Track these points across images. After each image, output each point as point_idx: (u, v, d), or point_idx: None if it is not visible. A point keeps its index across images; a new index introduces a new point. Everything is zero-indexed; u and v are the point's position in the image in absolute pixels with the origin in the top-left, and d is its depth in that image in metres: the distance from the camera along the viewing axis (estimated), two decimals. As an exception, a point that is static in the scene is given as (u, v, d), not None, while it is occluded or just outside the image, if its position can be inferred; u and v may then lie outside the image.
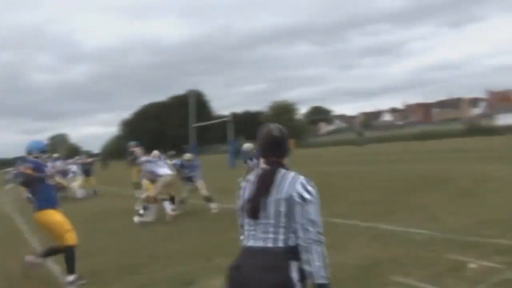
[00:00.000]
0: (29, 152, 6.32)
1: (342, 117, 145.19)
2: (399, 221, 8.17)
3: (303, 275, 2.54)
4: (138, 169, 15.13)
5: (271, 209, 2.58)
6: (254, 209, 2.64)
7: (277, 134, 2.78)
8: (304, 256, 2.54)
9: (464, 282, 4.86)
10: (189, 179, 12.04)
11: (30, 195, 6.53)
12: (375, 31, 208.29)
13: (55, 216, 6.16)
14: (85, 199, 17.87)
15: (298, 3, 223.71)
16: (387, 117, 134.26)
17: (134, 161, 15.56)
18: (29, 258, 6.45)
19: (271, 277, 2.47)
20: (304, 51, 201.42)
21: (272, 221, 2.59)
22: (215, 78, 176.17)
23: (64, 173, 18.02)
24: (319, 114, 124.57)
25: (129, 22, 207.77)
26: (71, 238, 6.12)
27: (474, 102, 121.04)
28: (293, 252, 2.54)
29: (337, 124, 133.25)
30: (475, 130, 45.23)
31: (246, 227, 2.76)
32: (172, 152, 15.37)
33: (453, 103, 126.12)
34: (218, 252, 7.04)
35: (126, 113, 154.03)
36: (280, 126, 2.81)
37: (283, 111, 68.34)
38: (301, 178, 2.61)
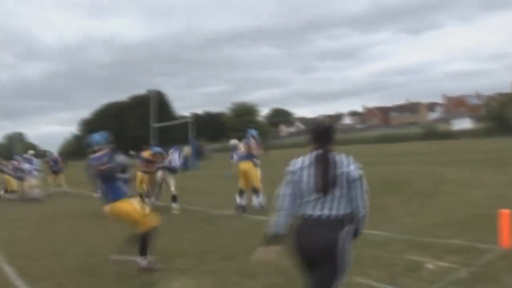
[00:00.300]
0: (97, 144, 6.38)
1: (303, 120, 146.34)
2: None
3: (351, 235, 3.36)
4: None
5: (337, 183, 3.22)
6: (325, 184, 3.22)
7: (327, 126, 3.48)
8: (360, 218, 3.36)
9: (421, 281, 4.97)
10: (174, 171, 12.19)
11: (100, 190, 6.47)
12: (337, 35, 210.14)
13: (127, 206, 6.29)
14: (43, 199, 17.33)
15: (260, 5, 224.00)
16: (347, 120, 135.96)
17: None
18: (114, 257, 6.60)
19: (329, 236, 3.20)
20: (265, 53, 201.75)
21: (337, 193, 3.23)
22: (176, 79, 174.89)
23: (26, 172, 17.47)
24: (280, 116, 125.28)
25: (88, 19, 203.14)
26: (149, 221, 6.31)
27: (431, 106, 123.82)
28: (349, 218, 3.29)
29: (298, 126, 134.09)
30: (432, 134, 46.32)
31: (308, 201, 3.29)
32: (132, 153, 15.17)
33: (411, 108, 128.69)
34: (178, 254, 6.99)
35: (85, 112, 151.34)
36: (327, 120, 3.44)
37: (244, 112, 68.24)
38: (351, 158, 3.33)
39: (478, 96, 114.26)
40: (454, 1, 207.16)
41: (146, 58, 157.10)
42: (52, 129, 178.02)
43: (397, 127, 70.77)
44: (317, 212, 3.25)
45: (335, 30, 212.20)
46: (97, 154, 6.32)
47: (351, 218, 3.30)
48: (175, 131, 65.87)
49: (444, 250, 6.02)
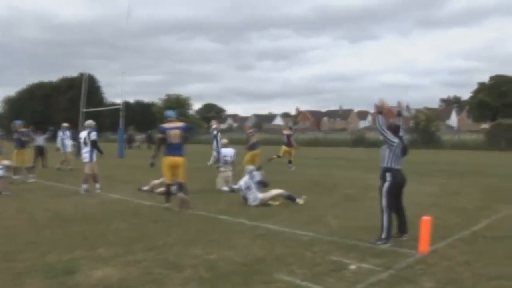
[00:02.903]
0: None
1: (235, 117, 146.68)
2: (285, 221, 8.44)
3: None
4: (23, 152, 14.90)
5: None
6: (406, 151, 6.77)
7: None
8: None
9: (344, 282, 5.14)
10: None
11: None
12: (277, 35, 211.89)
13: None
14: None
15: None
16: (279, 121, 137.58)
17: (28, 143, 15.27)
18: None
19: None
20: (203, 46, 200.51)
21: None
22: (111, 64, 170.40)
23: None
24: (212, 112, 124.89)
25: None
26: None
27: (362, 115, 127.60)
28: None
29: (229, 123, 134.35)
30: (361, 141, 47.59)
31: (397, 160, 6.93)
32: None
33: (343, 114, 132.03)
34: (102, 241, 6.87)
35: (11, 90, 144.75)
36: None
37: (176, 104, 67.36)
38: None
39: (407, 109, 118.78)
40: (393, 15, 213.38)
41: (81, 39, 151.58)
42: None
43: (328, 132, 72.32)
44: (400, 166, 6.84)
45: (276, 30, 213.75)
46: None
47: None
48: (105, 118, 64.37)
49: (367, 253, 6.24)
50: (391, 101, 7.88)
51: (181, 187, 9.98)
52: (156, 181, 12.16)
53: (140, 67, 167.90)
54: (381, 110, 6.99)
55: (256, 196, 10.21)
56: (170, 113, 10.48)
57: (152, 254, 6.21)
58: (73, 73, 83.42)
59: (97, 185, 12.54)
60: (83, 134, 12.74)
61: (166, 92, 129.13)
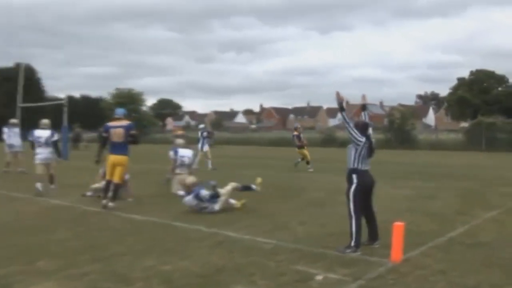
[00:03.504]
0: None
1: (192, 114, 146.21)
2: (246, 228, 8.49)
3: None
4: None
5: None
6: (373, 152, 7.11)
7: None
8: None
9: (310, 293, 5.22)
10: None
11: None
12: (240, 24, 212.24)
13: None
14: None
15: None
16: (241, 119, 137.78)
17: None
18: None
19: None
20: (159, 36, 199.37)
21: None
22: (53, 54, 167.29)
23: None
24: (168, 108, 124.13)
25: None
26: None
27: (332, 112, 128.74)
28: None
29: (187, 120, 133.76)
30: (331, 141, 48.02)
31: (364, 160, 7.11)
32: None
33: (311, 112, 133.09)
34: (42, 254, 6.78)
35: None
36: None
37: (127, 100, 66.52)
38: None
39: (381, 105, 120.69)
40: (367, 3, 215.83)
41: (18, 25, 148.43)
42: None
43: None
44: (368, 167, 7.28)
45: (239, 19, 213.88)
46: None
47: None
48: (47, 114, 63.09)
49: (335, 262, 6.35)
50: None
51: (115, 190, 10.67)
52: (97, 185, 12.14)
53: (87, 57, 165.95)
54: (342, 105, 7.13)
55: (213, 207, 10.14)
56: (118, 110, 11.33)
57: (99, 266, 6.17)
58: (8, 63, 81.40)
59: (53, 186, 13.28)
60: (42, 133, 13.02)
61: (116, 86, 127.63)
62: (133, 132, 10.90)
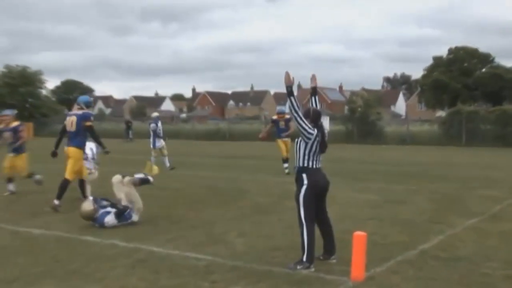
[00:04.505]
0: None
1: (107, 99, 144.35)
2: (174, 241, 8.49)
3: None
4: None
5: None
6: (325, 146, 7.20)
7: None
8: None
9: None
10: None
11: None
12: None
13: None
14: None
15: None
16: (169, 106, 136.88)
17: None
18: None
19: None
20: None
21: None
22: None
23: None
24: (75, 92, 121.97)
25: None
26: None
27: (281, 98, 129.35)
28: None
29: (100, 107, 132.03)
30: (279, 133, 48.05)
31: (316, 157, 7.16)
32: None
33: (255, 97, 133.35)
34: None
35: None
36: None
37: (21, 81, 64.61)
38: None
39: (340, 90, 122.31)
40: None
41: None
42: None
43: (235, 121, 72.75)
44: (320, 165, 7.37)
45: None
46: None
47: None
48: None
49: (284, 281, 6.41)
50: (319, 80, 7.96)
51: (60, 186, 11.20)
52: None
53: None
54: (291, 89, 6.98)
55: (113, 219, 9.80)
56: (80, 97, 12.53)
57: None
58: None
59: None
60: None
61: (5, 62, 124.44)
62: (87, 123, 11.69)
